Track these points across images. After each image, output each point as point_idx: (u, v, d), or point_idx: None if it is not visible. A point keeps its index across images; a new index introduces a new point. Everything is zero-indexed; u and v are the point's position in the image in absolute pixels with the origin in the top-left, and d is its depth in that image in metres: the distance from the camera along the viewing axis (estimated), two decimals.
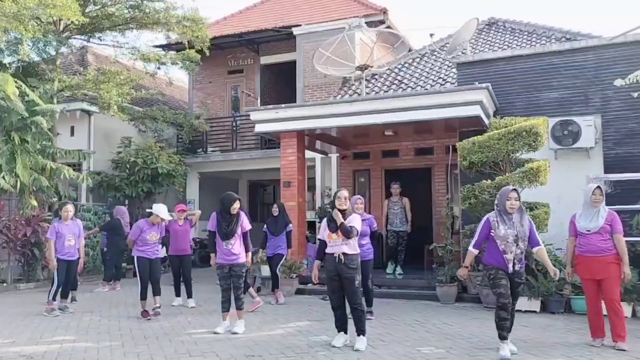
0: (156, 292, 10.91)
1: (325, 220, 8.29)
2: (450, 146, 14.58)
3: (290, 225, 12.97)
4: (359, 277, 8.05)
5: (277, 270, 12.86)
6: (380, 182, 17.97)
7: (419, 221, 16.44)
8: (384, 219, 15.18)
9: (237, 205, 9.28)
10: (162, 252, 11.49)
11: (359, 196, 10.93)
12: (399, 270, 14.95)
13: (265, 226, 13.08)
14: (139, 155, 19.85)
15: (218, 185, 22.38)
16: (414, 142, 17.33)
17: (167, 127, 21.89)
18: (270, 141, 20.63)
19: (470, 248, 8.02)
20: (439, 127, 14.98)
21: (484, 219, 7.96)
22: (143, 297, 10.75)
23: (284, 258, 12.93)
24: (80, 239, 11.69)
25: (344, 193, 8.29)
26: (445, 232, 13.51)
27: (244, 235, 9.35)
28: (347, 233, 7.98)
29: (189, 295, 12.41)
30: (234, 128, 22.73)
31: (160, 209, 10.96)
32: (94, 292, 14.57)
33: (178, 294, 12.54)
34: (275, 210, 12.95)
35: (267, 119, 14.82)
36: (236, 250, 9.25)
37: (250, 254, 9.49)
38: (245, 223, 9.38)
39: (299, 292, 13.77)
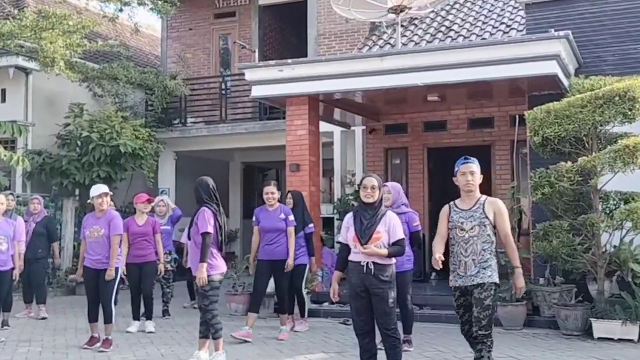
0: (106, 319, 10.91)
1: (349, 216, 8.30)
2: (517, 116, 14.54)
3: (311, 225, 12.75)
4: (393, 293, 8.06)
5: (300, 288, 12.55)
6: (421, 164, 17.94)
7: None
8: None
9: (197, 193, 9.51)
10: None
11: (384, 184, 10.85)
12: None
13: None
14: (94, 129, 19.81)
15: (202, 168, 22.38)
16: (467, 110, 17.31)
17: (133, 90, 21.91)
18: (272, 109, 20.66)
19: None
20: (501, 90, 14.94)
21: None
22: (90, 319, 10.83)
23: (307, 270, 12.70)
24: (20, 242, 11.76)
25: (372, 180, 8.28)
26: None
27: (203, 238, 9.28)
28: (398, 254, 8.02)
29: (148, 317, 12.56)
30: (223, 92, 22.76)
31: (92, 190, 11.03)
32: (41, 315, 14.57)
33: (136, 316, 12.63)
34: (289, 202, 12.70)
35: (268, 79, 14.85)
36: (195, 256, 9.38)
37: (203, 266, 9.23)
38: (200, 222, 9.35)
39: (311, 313, 13.80)
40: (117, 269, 10.79)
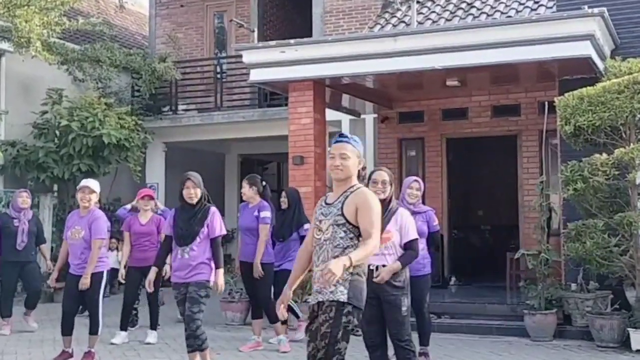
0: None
1: None
2: (547, 103, 14.53)
3: (306, 225, 12.62)
4: (406, 300, 8.07)
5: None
6: (439, 156, 17.92)
7: (500, 217, 16.31)
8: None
9: (191, 189, 9.30)
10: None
11: (415, 178, 10.72)
12: None
13: None
14: (75, 117, 19.77)
15: (195, 161, 22.42)
16: (490, 96, 17.30)
17: (117, 74, 21.89)
18: (272, 96, 20.65)
19: None
20: (528, 74, 14.93)
21: None
22: (64, 332, 10.77)
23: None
24: None
25: (383, 175, 8.27)
26: (538, 232, 13.48)
27: (213, 242, 9.31)
28: (411, 261, 8.03)
29: (153, 326, 12.55)
30: (219, 76, 22.75)
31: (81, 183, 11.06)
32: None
33: (124, 327, 12.52)
34: (284, 202, 12.64)
35: (269, 61, 14.86)
36: (197, 261, 9.24)
37: (220, 272, 9.30)
38: (216, 224, 9.34)
39: None
40: (102, 273, 10.74)
